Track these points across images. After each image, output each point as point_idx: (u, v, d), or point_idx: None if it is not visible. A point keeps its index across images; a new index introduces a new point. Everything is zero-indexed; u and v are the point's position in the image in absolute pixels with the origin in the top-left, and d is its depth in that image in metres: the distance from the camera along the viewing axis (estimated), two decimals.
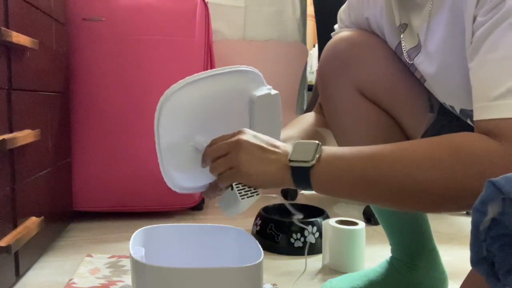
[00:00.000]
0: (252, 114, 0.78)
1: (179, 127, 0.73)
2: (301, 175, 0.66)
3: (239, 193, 0.69)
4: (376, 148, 0.64)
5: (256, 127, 0.78)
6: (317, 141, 0.67)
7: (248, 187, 0.70)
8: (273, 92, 0.79)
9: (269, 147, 0.69)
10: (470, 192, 0.56)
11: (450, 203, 0.59)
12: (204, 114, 0.74)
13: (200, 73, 0.73)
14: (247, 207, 0.72)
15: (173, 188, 0.77)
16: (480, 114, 0.60)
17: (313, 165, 0.65)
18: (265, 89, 0.79)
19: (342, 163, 0.65)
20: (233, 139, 0.69)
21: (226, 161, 0.69)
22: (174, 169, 0.75)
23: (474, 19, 0.62)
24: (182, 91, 0.71)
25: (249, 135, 0.70)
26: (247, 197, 0.70)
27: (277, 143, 0.70)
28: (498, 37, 0.58)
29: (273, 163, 0.67)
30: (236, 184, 0.70)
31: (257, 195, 0.70)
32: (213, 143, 0.72)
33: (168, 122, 0.72)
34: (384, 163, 0.62)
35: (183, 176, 0.76)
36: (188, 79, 0.72)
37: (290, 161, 0.66)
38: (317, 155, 0.65)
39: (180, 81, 0.71)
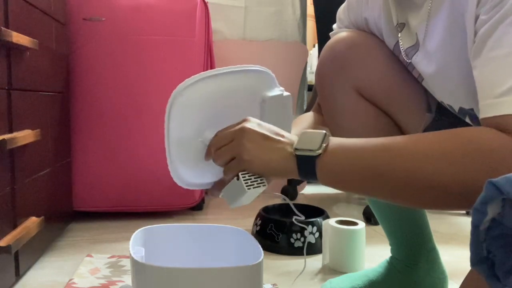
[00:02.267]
0: (263, 114, 0.78)
1: (189, 121, 0.73)
2: (307, 164, 0.64)
3: (245, 183, 0.68)
4: (386, 140, 0.62)
5: None
6: (324, 131, 0.66)
7: (255, 178, 0.69)
8: (285, 93, 0.80)
9: (273, 135, 0.68)
10: (481, 187, 0.56)
11: (461, 198, 0.58)
12: (215, 110, 0.74)
13: (214, 69, 0.73)
14: (252, 199, 0.72)
15: (179, 183, 0.77)
16: (486, 111, 0.59)
17: (319, 154, 0.63)
18: (277, 90, 0.79)
19: (351, 154, 0.63)
20: (237, 127, 0.69)
21: (230, 149, 0.69)
22: (181, 164, 0.75)
23: (476, 18, 0.62)
24: (195, 86, 0.71)
25: (253, 123, 0.69)
26: (253, 188, 0.68)
27: (282, 132, 0.69)
28: (501, 34, 0.58)
29: (276, 151, 0.66)
30: (242, 174, 0.69)
31: (263, 185, 0.69)
32: (218, 134, 0.73)
33: (179, 116, 0.72)
34: (396, 155, 0.60)
35: (189, 171, 0.77)
36: (202, 74, 0.72)
37: (296, 149, 0.65)
38: (324, 144, 0.64)
39: (193, 76, 0.71)
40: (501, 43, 0.58)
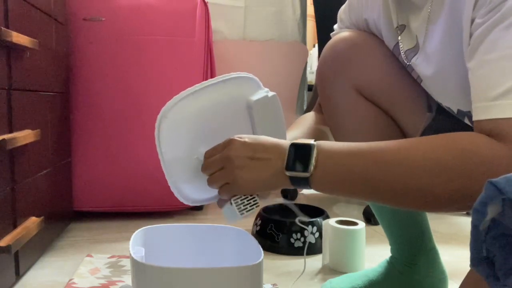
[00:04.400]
0: (252, 119, 0.77)
1: (180, 141, 0.73)
2: (299, 181, 0.66)
3: (238, 208, 0.71)
4: (376, 147, 0.63)
5: (258, 131, 0.78)
6: (312, 142, 0.66)
7: (248, 200, 0.71)
8: (270, 94, 0.78)
9: (260, 155, 0.68)
10: (475, 194, 0.56)
11: (454, 204, 0.59)
12: (203, 126, 0.74)
13: (193, 86, 0.73)
14: (249, 216, 0.74)
15: (185, 202, 0.77)
16: (480, 114, 0.59)
17: (311, 174, 0.64)
18: (262, 93, 0.78)
19: (341, 165, 0.64)
20: (223, 154, 0.69)
21: (222, 176, 0.70)
22: (182, 183, 0.75)
23: (472, 21, 0.62)
24: (177, 106, 0.72)
25: (237, 146, 0.69)
26: (246, 211, 0.71)
27: (270, 142, 0.69)
28: (496, 38, 0.59)
29: (266, 170, 0.67)
30: (235, 200, 0.71)
31: (256, 206, 0.72)
32: (207, 155, 0.73)
33: (168, 138, 0.72)
34: (387, 164, 0.61)
35: (192, 188, 0.76)
36: (183, 94, 0.72)
37: (287, 170, 0.66)
38: (314, 163, 0.64)
39: (175, 96, 0.72)
40: (495, 47, 0.59)
